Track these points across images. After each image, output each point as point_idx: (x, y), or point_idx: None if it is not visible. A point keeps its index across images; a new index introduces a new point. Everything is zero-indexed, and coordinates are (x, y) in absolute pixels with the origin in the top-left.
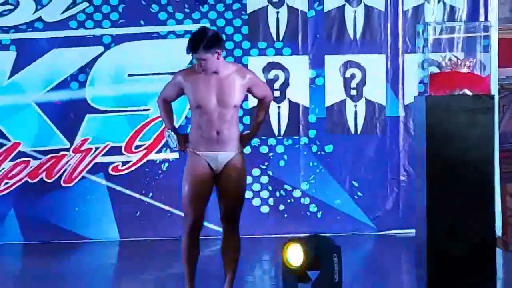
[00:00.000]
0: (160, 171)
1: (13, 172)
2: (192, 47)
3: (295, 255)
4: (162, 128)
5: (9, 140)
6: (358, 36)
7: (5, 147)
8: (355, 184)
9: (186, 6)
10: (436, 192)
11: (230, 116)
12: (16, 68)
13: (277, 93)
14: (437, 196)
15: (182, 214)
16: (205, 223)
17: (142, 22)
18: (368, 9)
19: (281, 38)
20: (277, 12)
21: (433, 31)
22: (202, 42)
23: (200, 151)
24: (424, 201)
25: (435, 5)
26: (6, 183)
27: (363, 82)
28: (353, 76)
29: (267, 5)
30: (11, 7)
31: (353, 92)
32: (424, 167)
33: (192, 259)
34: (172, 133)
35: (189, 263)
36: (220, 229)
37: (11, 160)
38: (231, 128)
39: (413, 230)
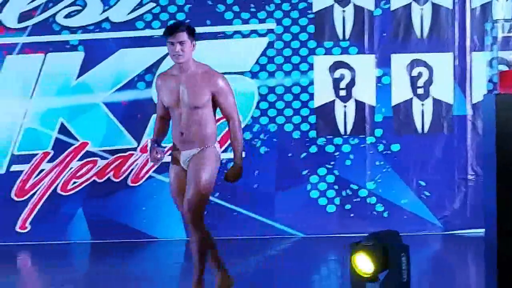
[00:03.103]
0: (226, 171)
1: (81, 172)
2: (173, 27)
3: (363, 261)
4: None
5: (77, 140)
6: (425, 34)
7: (73, 147)
8: (422, 183)
9: (252, 5)
10: (506, 191)
11: (197, 116)
12: (84, 68)
13: (343, 92)
14: (508, 196)
15: (248, 213)
16: (273, 223)
17: (208, 21)
18: (435, 7)
19: (347, 37)
20: (343, 11)
21: (501, 29)
22: (184, 25)
23: (173, 150)
24: (494, 201)
25: (504, 2)
26: (74, 182)
27: (430, 81)
28: (420, 74)
29: (333, 4)
30: (79, 8)
31: (420, 91)
32: (493, 166)
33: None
34: (150, 144)
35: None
36: (289, 229)
37: (79, 160)
38: (198, 128)
39: (482, 230)
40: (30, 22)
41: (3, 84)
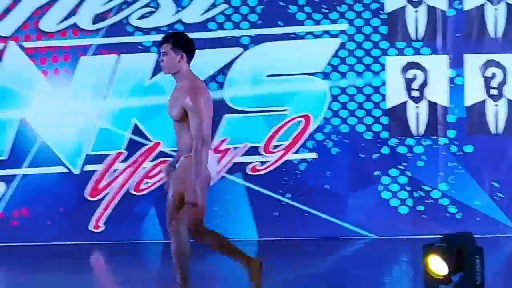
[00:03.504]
0: (298, 171)
1: (154, 172)
2: (162, 38)
3: (436, 262)
4: (299, 131)
5: (150, 140)
6: (499, 35)
7: (146, 147)
8: (496, 185)
9: (324, 6)
10: None
11: (177, 127)
12: (157, 69)
13: (415, 93)
14: None
15: (319, 214)
16: (344, 224)
17: (280, 22)
18: (510, 7)
19: (420, 38)
20: (416, 11)
21: None
22: (171, 37)
23: None
24: None
25: None
26: (147, 182)
27: (504, 81)
28: (493, 75)
29: (406, 5)
30: (152, 9)
31: (494, 92)
32: None
33: None
34: None
35: None
36: (360, 230)
37: (152, 160)
38: (178, 137)
39: None
40: (104, 24)
41: (77, 85)
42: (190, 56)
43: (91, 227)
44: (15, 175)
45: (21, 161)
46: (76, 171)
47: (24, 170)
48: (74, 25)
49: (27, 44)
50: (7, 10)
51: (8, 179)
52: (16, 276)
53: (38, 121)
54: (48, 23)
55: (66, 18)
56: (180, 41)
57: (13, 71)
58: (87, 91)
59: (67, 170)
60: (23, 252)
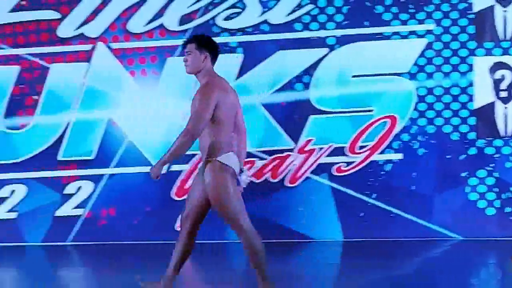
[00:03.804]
0: (383, 172)
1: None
2: (185, 40)
3: None
4: (385, 131)
5: None
6: None
7: None
8: None
9: (411, 6)
10: None
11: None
12: (243, 70)
13: (503, 94)
14: None
15: (405, 215)
16: (431, 225)
17: (366, 23)
18: None
19: (508, 38)
20: (505, 11)
21: None
22: (195, 37)
23: None
24: None
25: None
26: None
27: None
28: None
29: (494, 4)
30: (238, 10)
31: None
32: None
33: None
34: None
35: None
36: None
37: None
38: (201, 138)
39: None
40: (190, 25)
41: (164, 86)
42: (214, 56)
43: (177, 226)
44: (103, 175)
45: (108, 161)
46: (163, 171)
47: (112, 170)
48: (161, 26)
49: (115, 45)
50: (96, 12)
51: (96, 179)
52: (104, 275)
53: (125, 121)
54: (136, 24)
55: (153, 20)
56: (202, 40)
57: (101, 71)
58: (173, 92)
59: None
60: (110, 250)
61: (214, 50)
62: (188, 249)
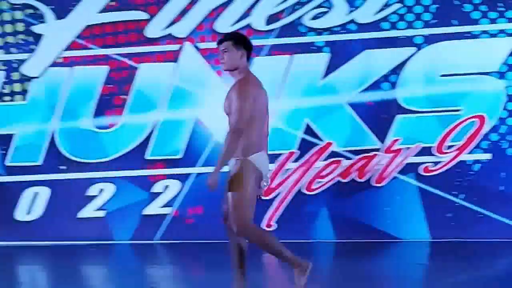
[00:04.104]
0: (472, 172)
1: (325, 172)
2: (221, 38)
3: None
4: (474, 131)
5: (321, 140)
6: None
7: (318, 147)
8: None
9: (501, 4)
10: None
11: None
12: (330, 69)
13: None
14: None
15: (494, 215)
16: None
17: (455, 21)
18: None
19: None
20: None
21: None
22: (231, 35)
23: None
24: None
25: None
26: (319, 182)
27: None
28: None
29: None
30: (325, 9)
31: None
32: None
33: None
34: None
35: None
36: None
37: (323, 160)
38: None
39: None
40: (277, 25)
41: None
42: (249, 53)
43: (263, 225)
44: (190, 174)
45: (195, 160)
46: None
47: (199, 169)
48: (248, 26)
49: (202, 45)
50: (183, 12)
51: (183, 178)
52: (192, 273)
53: (212, 121)
54: (223, 24)
55: (240, 19)
56: (238, 38)
57: (188, 71)
58: None
59: None
60: (197, 249)
61: (249, 48)
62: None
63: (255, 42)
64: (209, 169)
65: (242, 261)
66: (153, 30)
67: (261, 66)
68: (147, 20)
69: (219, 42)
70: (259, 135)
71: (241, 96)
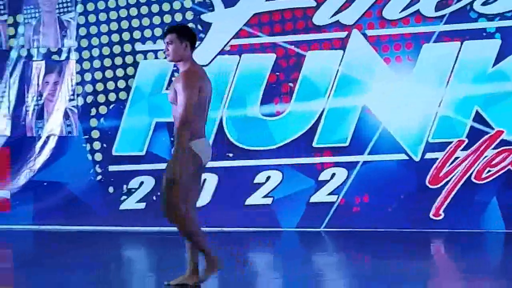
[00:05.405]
0: None
1: (496, 161)
2: (166, 30)
3: None
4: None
5: (492, 128)
6: None
7: (488, 135)
8: None
9: None
10: None
11: (174, 112)
12: (501, 56)
13: None
14: None
15: None
16: None
17: None
18: None
19: None
20: None
21: None
22: (175, 28)
23: None
24: None
25: None
26: (489, 171)
27: None
28: None
29: None
30: None
31: None
32: None
33: None
34: None
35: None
36: None
37: (494, 148)
38: (176, 123)
39: None
40: (446, 11)
41: (419, 72)
42: (193, 45)
43: (431, 214)
44: (357, 162)
45: (363, 148)
46: (417, 158)
47: (365, 157)
48: (417, 12)
49: (370, 32)
50: (352, 0)
51: (349, 166)
52: (359, 261)
53: (380, 108)
54: (391, 11)
55: (409, 6)
56: (182, 30)
57: (356, 59)
58: (429, 79)
59: (407, 158)
60: (364, 237)
61: (193, 39)
62: None
63: (423, 29)
64: (377, 157)
65: None
66: (320, 17)
67: (430, 53)
68: (315, 8)
69: (164, 35)
70: (200, 122)
71: (187, 88)
